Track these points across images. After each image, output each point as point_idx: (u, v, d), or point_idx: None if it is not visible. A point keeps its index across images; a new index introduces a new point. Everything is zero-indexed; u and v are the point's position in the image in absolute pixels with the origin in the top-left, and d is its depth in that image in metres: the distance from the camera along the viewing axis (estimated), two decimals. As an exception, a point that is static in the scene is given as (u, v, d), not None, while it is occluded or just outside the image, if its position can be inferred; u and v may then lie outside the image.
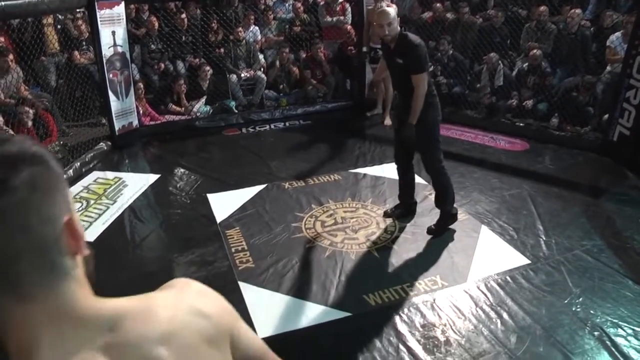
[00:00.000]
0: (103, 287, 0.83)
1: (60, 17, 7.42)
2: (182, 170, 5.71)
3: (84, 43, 7.24)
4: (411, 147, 4.03)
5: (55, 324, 0.68)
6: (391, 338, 3.02)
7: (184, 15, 7.66)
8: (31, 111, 5.78)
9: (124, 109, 6.46)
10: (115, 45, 6.23)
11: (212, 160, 6.05)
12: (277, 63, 7.82)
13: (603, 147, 5.63)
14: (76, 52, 7.18)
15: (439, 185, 4.06)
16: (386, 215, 4.43)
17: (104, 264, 2.95)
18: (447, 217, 4.10)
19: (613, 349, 2.86)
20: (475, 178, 5.13)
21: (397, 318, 3.19)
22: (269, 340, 1.13)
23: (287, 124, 7.29)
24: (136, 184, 5.34)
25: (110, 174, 5.65)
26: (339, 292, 3.47)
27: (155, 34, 7.57)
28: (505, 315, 3.14)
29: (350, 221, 4.40)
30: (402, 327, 3.10)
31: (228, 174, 5.48)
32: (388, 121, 6.85)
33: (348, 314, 3.26)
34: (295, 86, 7.96)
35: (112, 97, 6.27)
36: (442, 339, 2.99)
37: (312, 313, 3.28)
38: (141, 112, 6.89)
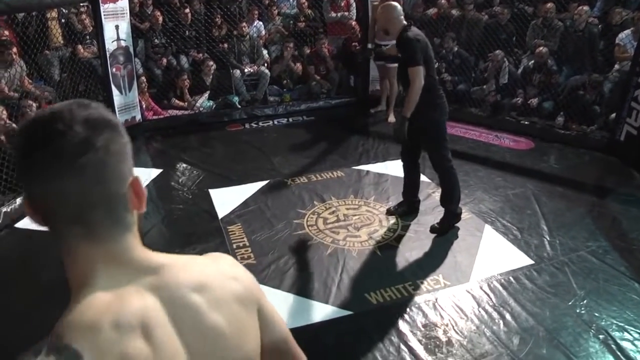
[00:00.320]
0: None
1: (64, 11, 7.39)
2: (184, 165, 5.69)
3: (87, 37, 7.20)
4: (402, 141, 4.00)
5: (111, 263, 0.81)
6: (393, 337, 2.99)
7: (187, 10, 7.62)
8: (34, 105, 5.76)
9: (127, 103, 6.44)
10: (118, 39, 6.22)
11: (215, 155, 6.03)
12: (283, 59, 7.77)
13: (609, 147, 5.58)
14: (80, 46, 7.14)
15: (446, 185, 4.02)
16: (389, 213, 4.40)
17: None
18: (452, 216, 4.07)
19: (619, 353, 2.81)
20: (479, 176, 5.09)
21: (398, 317, 3.16)
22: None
23: (290, 119, 7.26)
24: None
25: (112, 168, 5.61)
26: (340, 290, 3.44)
27: (159, 29, 7.53)
28: (508, 316, 3.10)
29: (352, 218, 4.37)
30: (404, 327, 3.07)
31: (230, 170, 5.46)
32: (392, 118, 6.81)
33: (350, 312, 3.24)
34: (298, 82, 7.92)
35: (115, 91, 6.25)
36: (443, 339, 2.96)
37: (314, 311, 3.26)
38: (144, 106, 6.87)
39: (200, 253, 3.10)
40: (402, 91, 6.50)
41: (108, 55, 6.10)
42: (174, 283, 0.84)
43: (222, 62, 7.64)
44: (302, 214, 4.46)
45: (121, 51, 6.29)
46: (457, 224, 4.13)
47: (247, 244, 4.03)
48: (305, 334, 3.04)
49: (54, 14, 7.13)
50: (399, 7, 3.94)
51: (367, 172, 5.30)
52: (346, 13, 7.87)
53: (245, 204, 4.68)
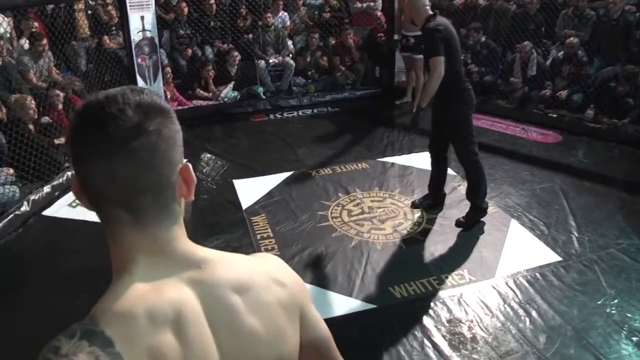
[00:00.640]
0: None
1: (91, 2, 7.47)
2: (208, 155, 5.72)
3: (113, 28, 7.27)
4: (415, 130, 3.96)
5: (154, 251, 0.80)
6: (416, 332, 2.97)
7: (212, 1, 7.63)
8: (62, 94, 5.84)
9: (152, 93, 6.47)
10: (144, 30, 6.26)
11: (239, 146, 6.04)
12: (308, 53, 7.75)
13: (642, 141, 5.43)
14: (106, 37, 7.21)
15: (472, 178, 3.97)
16: (414, 205, 4.36)
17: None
18: (478, 210, 4.01)
19: (653, 357, 2.73)
20: (505, 170, 5.01)
21: (422, 312, 3.14)
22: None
23: (315, 110, 7.23)
24: (163, 168, 5.35)
25: (137, 158, 5.67)
26: (364, 283, 3.43)
27: (184, 20, 7.56)
28: (534, 314, 3.05)
29: (377, 211, 4.34)
30: (428, 322, 3.05)
31: (255, 160, 5.46)
32: (417, 110, 6.74)
33: (373, 306, 3.23)
34: (323, 73, 7.88)
35: (140, 81, 6.29)
36: (468, 335, 2.93)
37: (337, 304, 3.26)
38: (169, 96, 6.91)
39: (224, 243, 3.13)
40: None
41: (133, 46, 6.14)
42: (215, 280, 0.82)
43: (247, 53, 7.64)
44: (327, 206, 4.45)
45: (146, 42, 6.33)
46: (483, 219, 4.07)
47: (271, 235, 4.04)
48: (328, 327, 3.03)
49: (81, 5, 7.23)
50: None
51: (392, 164, 5.26)
52: (372, 3, 7.81)
53: (269, 194, 4.69)
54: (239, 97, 7.41)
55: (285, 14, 8.05)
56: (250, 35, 7.76)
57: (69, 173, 5.01)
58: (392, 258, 3.71)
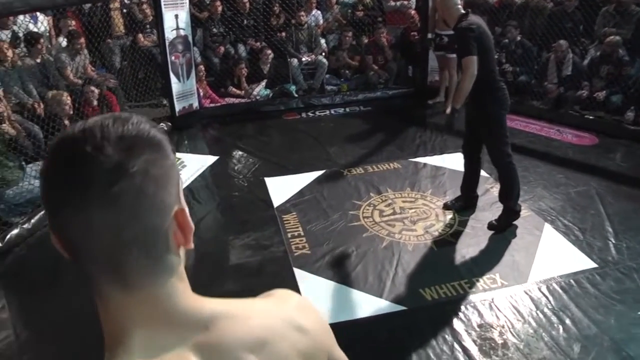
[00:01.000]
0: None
1: (126, 1, 7.61)
2: (240, 153, 5.77)
3: (147, 26, 7.41)
4: (449, 131, 3.93)
5: (151, 317, 0.68)
6: (446, 336, 2.95)
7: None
8: (96, 91, 5.97)
9: (184, 90, 6.56)
10: (177, 28, 6.33)
11: (271, 144, 6.08)
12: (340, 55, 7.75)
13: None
14: (140, 35, 7.35)
15: (505, 180, 3.91)
16: (446, 207, 4.33)
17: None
18: (510, 213, 3.96)
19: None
20: (539, 173, 4.93)
21: (453, 315, 3.11)
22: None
23: (347, 109, 7.24)
24: (195, 165, 5.43)
25: (169, 154, 5.75)
26: (395, 284, 3.42)
27: (218, 18, 7.63)
28: (568, 322, 2.99)
29: (409, 212, 4.32)
30: (459, 326, 3.02)
31: (287, 158, 5.49)
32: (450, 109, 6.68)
33: (403, 307, 3.22)
34: (356, 72, 7.87)
35: (173, 79, 6.38)
36: (499, 341, 2.89)
37: (367, 304, 3.25)
38: (202, 94, 6.99)
39: (255, 241, 3.16)
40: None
41: (167, 44, 6.22)
42: (226, 342, 0.70)
43: (280, 51, 7.68)
44: (358, 205, 4.45)
45: (180, 40, 6.41)
46: (516, 222, 4.01)
47: (302, 233, 4.06)
48: (357, 328, 3.05)
49: (117, 4, 7.37)
50: None
51: (424, 164, 5.23)
52: (405, 2, 7.77)
53: (300, 193, 4.70)
54: (271, 95, 7.47)
55: (319, 12, 8.07)
56: (284, 34, 7.80)
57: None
58: (423, 260, 3.69)
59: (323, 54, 7.75)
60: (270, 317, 0.77)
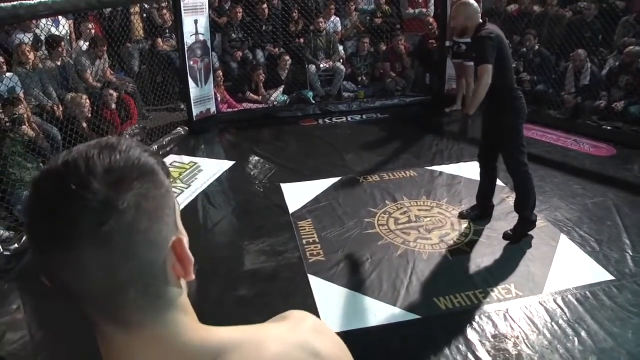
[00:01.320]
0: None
1: (146, 6, 7.69)
2: (257, 158, 5.80)
3: (167, 31, 7.48)
4: (464, 138, 3.88)
5: (157, 356, 0.64)
6: (460, 346, 2.94)
7: (265, 5, 7.74)
8: (115, 94, 6.04)
9: (202, 95, 6.63)
10: (197, 33, 6.40)
11: (288, 150, 6.11)
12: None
13: None
14: (159, 40, 7.43)
15: (521, 190, 3.90)
16: (462, 216, 4.32)
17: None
18: (526, 223, 3.94)
19: None
20: (555, 183, 4.90)
21: (467, 325, 3.10)
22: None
23: (364, 116, 7.26)
24: (211, 169, 5.47)
25: (186, 159, 5.82)
26: (409, 293, 3.42)
27: (237, 24, 7.69)
28: (583, 334, 2.96)
29: (424, 220, 4.32)
30: (473, 336, 3.01)
31: (303, 165, 5.52)
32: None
33: (417, 316, 3.21)
34: (374, 79, 7.89)
35: (191, 83, 6.45)
36: (513, 352, 2.88)
37: (381, 313, 3.25)
38: (219, 99, 7.04)
39: (270, 247, 3.18)
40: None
41: (186, 49, 6.29)
42: None
43: (298, 57, 7.72)
44: (374, 213, 4.46)
45: (199, 45, 6.48)
46: (532, 232, 3.99)
47: (317, 240, 4.07)
48: (370, 336, 3.06)
49: (137, 9, 7.44)
50: (474, 5, 3.83)
51: (441, 173, 5.22)
52: (424, 10, 7.77)
53: (316, 200, 4.72)
54: (288, 101, 7.51)
55: (337, 19, 8.10)
56: (302, 40, 7.84)
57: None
58: (438, 269, 3.69)
59: (341, 60, 7.77)
60: (284, 343, 0.71)
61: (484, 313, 3.20)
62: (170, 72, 7.19)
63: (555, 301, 3.27)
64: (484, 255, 3.82)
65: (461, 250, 3.90)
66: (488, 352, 2.89)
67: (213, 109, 6.84)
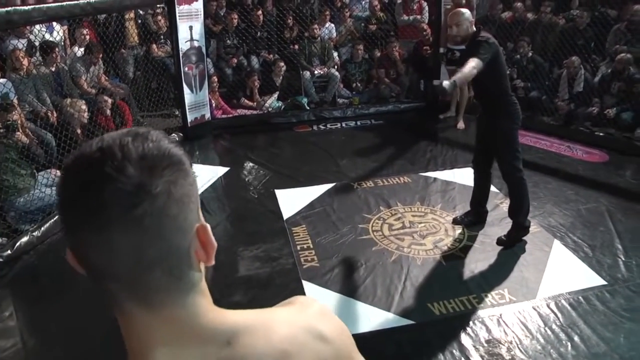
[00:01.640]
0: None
1: (141, 12, 7.69)
2: (251, 164, 5.80)
3: (161, 37, 7.48)
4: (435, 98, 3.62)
5: (174, 334, 0.67)
6: (454, 351, 2.95)
7: (259, 12, 7.76)
8: (110, 100, 6.03)
9: (197, 101, 6.63)
10: (192, 39, 6.41)
11: (282, 155, 6.12)
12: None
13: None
14: (154, 46, 7.42)
15: (516, 196, 3.91)
16: (455, 222, 4.33)
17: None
18: (520, 229, 3.95)
19: None
20: (549, 189, 4.92)
21: (461, 330, 3.11)
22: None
23: (358, 122, 7.27)
24: (205, 175, 5.46)
25: (181, 165, 5.79)
26: (403, 298, 3.43)
27: (232, 30, 7.70)
28: (576, 339, 2.97)
29: (418, 226, 4.33)
30: (466, 341, 3.02)
31: (297, 171, 5.52)
32: (461, 124, 6.72)
33: (411, 322, 3.22)
34: (368, 85, 7.92)
35: (186, 89, 6.45)
36: (507, 357, 2.88)
37: (375, 318, 3.25)
38: (214, 105, 7.04)
39: (264, 252, 3.17)
40: (472, 97, 6.42)
41: (181, 55, 6.29)
42: (251, 356, 0.70)
43: (293, 63, 7.74)
44: (368, 219, 4.46)
45: (194, 51, 6.48)
46: (525, 238, 4.01)
47: (311, 246, 4.07)
48: (365, 341, 3.01)
49: (132, 15, 7.44)
50: (467, 13, 3.85)
51: (435, 179, 5.24)
52: (418, 16, 7.81)
53: (310, 205, 4.73)
54: (283, 107, 7.52)
55: (332, 25, 8.12)
56: (296, 46, 7.85)
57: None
58: (432, 274, 3.69)
59: (335, 67, 7.79)
60: (291, 327, 0.76)
61: (477, 318, 3.21)
62: (165, 78, 7.18)
63: (548, 306, 3.29)
64: (478, 260, 3.83)
65: (455, 255, 3.91)
66: (482, 356, 2.89)
67: (207, 115, 6.84)
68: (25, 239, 4.15)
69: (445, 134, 6.63)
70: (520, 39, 7.15)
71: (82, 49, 6.59)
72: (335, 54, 7.96)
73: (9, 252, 4.00)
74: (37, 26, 6.07)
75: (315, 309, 0.82)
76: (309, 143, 6.48)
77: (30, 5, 4.55)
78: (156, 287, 0.65)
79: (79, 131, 5.38)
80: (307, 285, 3.59)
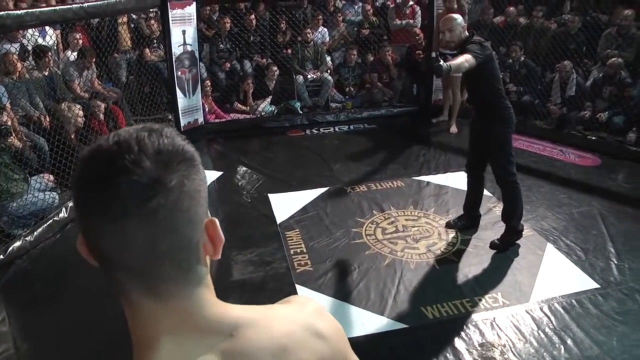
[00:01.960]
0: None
1: (134, 16, 7.68)
2: (244, 168, 5.80)
3: (154, 41, 7.46)
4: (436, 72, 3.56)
5: (180, 325, 0.70)
6: (448, 354, 2.95)
7: (252, 16, 7.76)
8: (103, 105, 6.01)
9: (190, 105, 6.62)
10: (185, 44, 6.41)
11: (275, 160, 6.11)
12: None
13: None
14: (147, 50, 7.41)
15: (509, 200, 3.92)
16: (449, 226, 4.34)
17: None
18: (513, 232, 3.97)
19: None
20: (542, 192, 4.94)
21: (454, 334, 3.11)
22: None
23: (351, 127, 7.27)
24: (199, 180, 5.43)
25: (173, 169, 5.78)
26: (396, 302, 3.43)
27: (225, 34, 7.70)
28: (569, 342, 2.99)
29: (411, 230, 4.33)
30: (460, 344, 3.03)
31: (290, 175, 5.52)
32: (454, 128, 6.73)
33: (405, 325, 3.22)
34: (361, 89, 7.93)
35: (179, 94, 6.45)
36: (501, 360, 2.89)
37: (369, 322, 3.26)
38: (207, 109, 7.03)
39: (258, 257, 3.18)
40: (465, 101, 6.45)
41: (174, 59, 6.29)
42: (251, 350, 0.72)
43: (286, 68, 7.74)
44: (361, 223, 4.46)
45: (187, 55, 6.48)
46: (518, 241, 4.02)
47: (305, 250, 4.07)
48: (358, 345, 3.00)
49: (125, 19, 7.42)
50: (459, 18, 3.86)
51: (428, 183, 5.25)
52: (411, 21, 7.83)
53: (304, 210, 4.72)
54: (276, 111, 7.51)
55: (325, 29, 8.13)
56: (289, 51, 7.86)
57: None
58: (425, 278, 3.70)
59: (328, 71, 7.80)
60: (291, 323, 0.79)
61: (471, 322, 3.22)
62: (158, 82, 7.15)
63: (541, 309, 3.30)
64: (471, 264, 3.84)
65: (448, 259, 3.92)
66: (475, 360, 2.90)
67: (201, 120, 6.83)
68: (18, 243, 4.13)
69: (438, 138, 6.65)
70: (513, 44, 7.18)
71: (75, 54, 6.56)
72: (328, 59, 7.96)
73: (1, 257, 3.98)
74: (30, 30, 6.04)
75: (312, 308, 0.85)
76: (302, 147, 6.48)
77: (23, 9, 4.54)
78: (165, 278, 0.68)
79: (72, 136, 5.35)
80: (300, 289, 3.59)
